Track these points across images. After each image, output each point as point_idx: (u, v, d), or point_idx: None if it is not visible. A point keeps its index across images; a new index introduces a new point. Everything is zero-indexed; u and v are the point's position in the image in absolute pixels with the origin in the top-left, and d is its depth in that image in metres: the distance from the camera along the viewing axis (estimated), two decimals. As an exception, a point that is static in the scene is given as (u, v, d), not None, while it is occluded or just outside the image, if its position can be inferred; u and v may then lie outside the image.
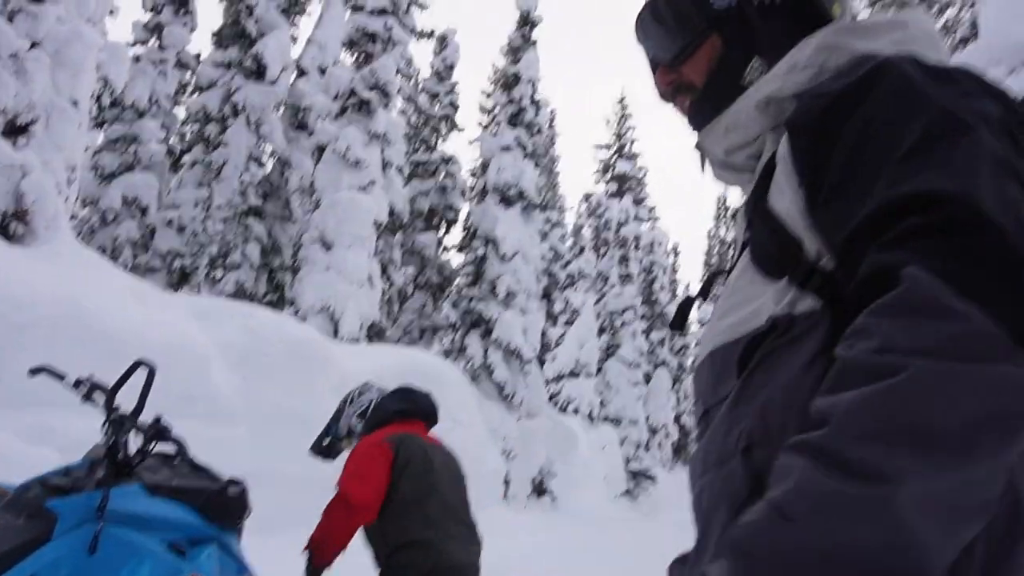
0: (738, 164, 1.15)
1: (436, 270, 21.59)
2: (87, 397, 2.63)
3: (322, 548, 3.28)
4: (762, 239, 0.99)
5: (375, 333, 17.07)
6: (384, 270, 18.93)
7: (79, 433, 5.34)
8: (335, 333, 14.62)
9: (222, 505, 2.63)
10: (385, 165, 17.89)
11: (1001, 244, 0.73)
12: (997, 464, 0.67)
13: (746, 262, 1.03)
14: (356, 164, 16.47)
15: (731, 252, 1.20)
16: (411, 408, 3.67)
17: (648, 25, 1.24)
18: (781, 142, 0.97)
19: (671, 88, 1.22)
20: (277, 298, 18.16)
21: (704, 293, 1.29)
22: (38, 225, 6.71)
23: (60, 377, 2.68)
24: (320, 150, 17.96)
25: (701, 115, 1.18)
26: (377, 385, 3.87)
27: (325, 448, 3.81)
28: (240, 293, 16.83)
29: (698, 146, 1.22)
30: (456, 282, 20.61)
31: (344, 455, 3.76)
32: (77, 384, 2.64)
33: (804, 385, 0.85)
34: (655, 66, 1.25)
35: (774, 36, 1.11)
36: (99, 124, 17.44)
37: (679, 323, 1.33)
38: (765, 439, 0.87)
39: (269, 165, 18.92)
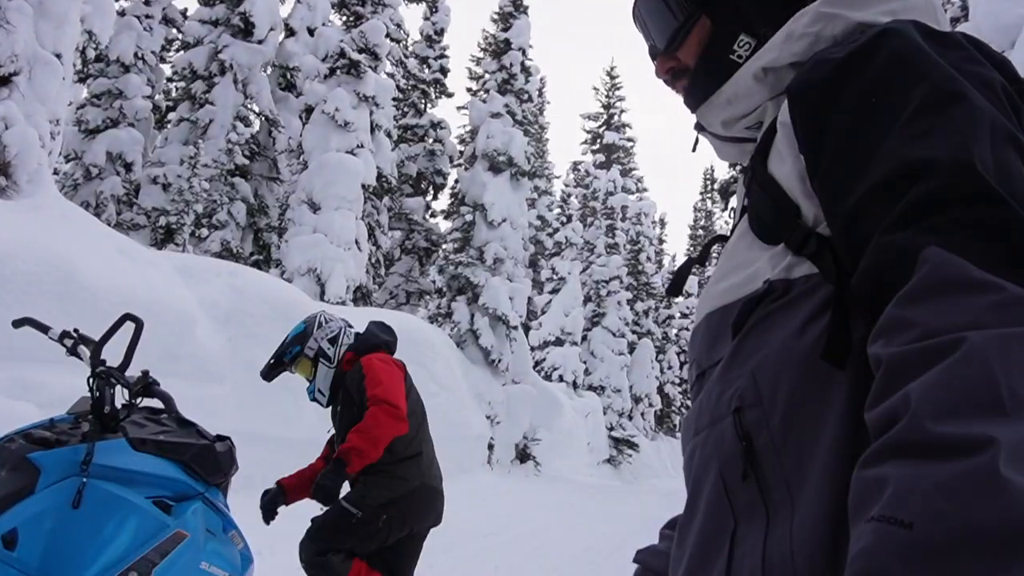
0: (737, 136, 1.16)
1: (423, 235, 21.51)
2: (72, 351, 2.59)
3: (364, 455, 3.43)
4: (760, 204, 0.99)
5: (361, 296, 17.04)
6: (371, 233, 18.85)
7: (60, 388, 5.31)
8: (321, 295, 14.58)
9: (209, 461, 2.61)
10: (374, 128, 17.76)
11: (1004, 211, 0.72)
12: None
13: (744, 227, 1.03)
14: (344, 126, 16.34)
15: (730, 218, 1.20)
16: (393, 342, 4.01)
17: (642, 16, 1.26)
18: (782, 108, 0.96)
19: (670, 75, 1.24)
20: (263, 258, 18.07)
21: (702, 259, 1.29)
22: (20, 178, 6.60)
23: (44, 329, 2.63)
24: (308, 111, 17.78)
25: (695, 94, 1.20)
26: (338, 315, 4.10)
27: (269, 369, 3.97)
28: (226, 252, 16.71)
29: (697, 125, 1.23)
30: (443, 247, 20.55)
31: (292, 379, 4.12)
32: (63, 337, 2.60)
33: (796, 348, 0.85)
34: (654, 55, 1.26)
35: (764, 9, 1.11)
36: (83, 78, 17.18)
37: (676, 288, 1.33)
38: (756, 401, 0.87)
39: (256, 125, 18.73)
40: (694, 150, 1.31)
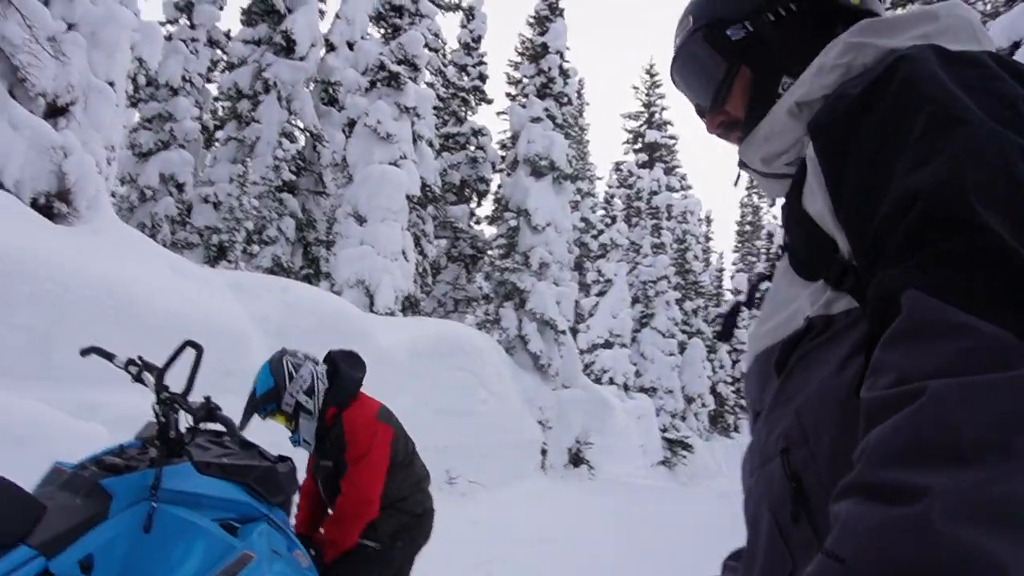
0: (778, 172, 1.15)
1: (469, 242, 21.60)
2: (137, 378, 2.67)
3: (338, 547, 3.44)
4: (798, 241, 0.99)
5: (409, 305, 17.16)
6: (417, 243, 18.97)
7: (126, 408, 5.45)
8: (370, 306, 14.71)
9: (271, 482, 2.67)
10: (416, 138, 17.87)
11: (987, 244, 0.71)
12: None
13: (785, 265, 1.04)
14: (387, 138, 16.47)
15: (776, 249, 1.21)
16: (364, 376, 3.79)
17: (681, 79, 1.28)
18: (809, 145, 0.97)
19: (722, 128, 1.25)
20: (313, 272, 18.30)
21: (750, 301, 1.29)
22: (80, 205, 6.79)
23: (110, 358, 2.72)
24: (351, 124, 17.97)
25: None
26: (300, 352, 3.79)
27: (243, 422, 3.57)
28: (277, 267, 16.97)
29: (740, 162, 1.24)
30: (489, 254, 20.60)
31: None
32: (128, 364, 2.68)
33: (838, 385, 0.85)
34: (702, 113, 1.27)
35: (799, 46, 1.11)
36: (135, 103, 17.58)
37: (727, 333, 1.34)
38: (802, 440, 0.88)
39: (302, 140, 18.98)
40: (735, 184, 1.32)
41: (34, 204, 6.49)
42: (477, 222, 23.16)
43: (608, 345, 25.68)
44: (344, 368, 3.74)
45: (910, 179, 0.78)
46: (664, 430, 25.55)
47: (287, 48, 18.24)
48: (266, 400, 3.56)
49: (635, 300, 28.45)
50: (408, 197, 16.62)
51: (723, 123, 1.24)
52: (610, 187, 35.38)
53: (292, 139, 18.38)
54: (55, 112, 6.83)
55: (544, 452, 16.11)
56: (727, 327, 1.33)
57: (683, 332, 30.49)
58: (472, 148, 22.35)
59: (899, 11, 1.05)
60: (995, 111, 0.80)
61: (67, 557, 2.16)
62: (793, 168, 1.10)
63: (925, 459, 0.65)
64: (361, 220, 15.95)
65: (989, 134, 0.77)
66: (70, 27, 6.89)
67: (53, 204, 6.63)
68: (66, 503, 2.28)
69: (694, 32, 1.21)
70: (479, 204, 22.96)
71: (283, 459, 2.78)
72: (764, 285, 1.21)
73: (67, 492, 2.32)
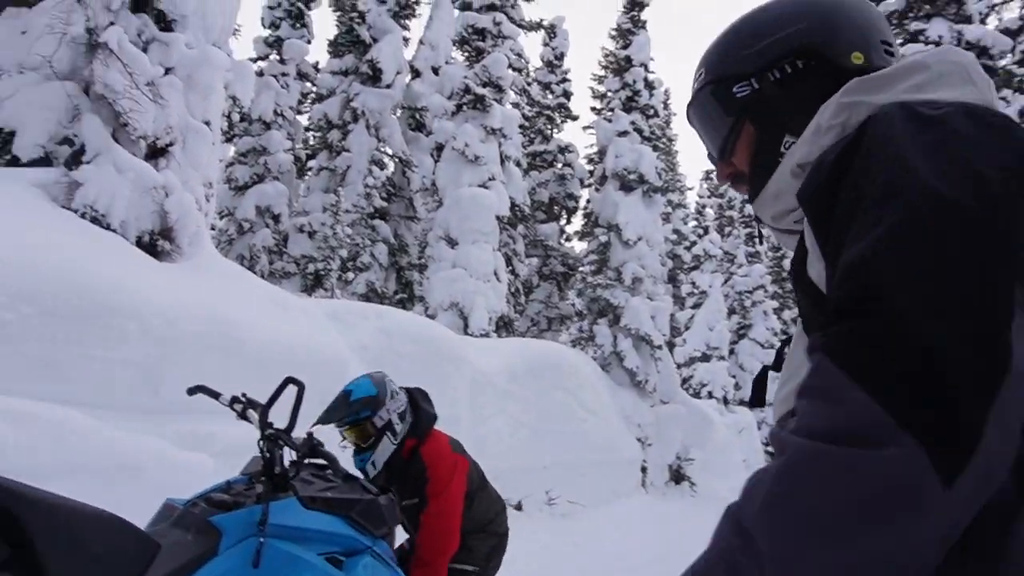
0: (789, 228, 1.19)
1: (560, 259, 21.58)
2: (242, 415, 2.71)
3: None
4: (805, 306, 1.01)
5: (503, 325, 17.21)
6: (509, 262, 19.05)
7: (229, 439, 5.59)
8: (465, 329, 14.81)
9: (374, 515, 2.68)
10: (503, 159, 17.99)
11: (890, 323, 0.72)
12: (885, 549, 0.66)
13: (800, 330, 1.08)
14: (475, 160, 16.62)
15: None
16: (435, 411, 3.87)
17: (694, 127, 1.33)
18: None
19: (731, 180, 1.29)
20: (407, 296, 18.56)
21: (777, 365, 1.31)
22: (182, 242, 7.02)
23: (216, 396, 2.77)
24: (439, 149, 18.22)
25: (753, 195, 1.24)
26: (392, 379, 3.80)
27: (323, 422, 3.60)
28: (371, 293, 17.27)
29: (755, 218, 1.28)
30: (581, 270, 20.53)
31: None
32: (233, 402, 2.73)
33: None
34: (713, 162, 1.33)
35: (801, 105, 1.13)
36: (230, 139, 18.22)
37: (759, 399, 1.37)
38: None
39: (391, 167, 19.32)
40: (760, 242, 1.36)
41: (139, 243, 6.73)
42: (567, 239, 23.16)
43: (705, 358, 25.26)
44: (421, 402, 3.79)
45: (848, 253, 0.80)
46: (766, 444, 24.92)
47: (374, 77, 18.65)
48: (362, 405, 3.53)
49: (731, 311, 27.94)
50: (498, 218, 16.72)
51: (731, 175, 1.27)
52: (701, 197, 34.91)
53: (382, 166, 18.74)
54: (155, 153, 7.09)
55: (644, 470, 15.88)
56: (757, 393, 1.35)
57: (782, 342, 29.74)
58: (559, 165, 22.39)
59: (890, 66, 1.05)
60: (942, 174, 0.79)
61: (180, 594, 2.19)
62: (801, 225, 1.11)
63: (768, 515, 0.70)
64: (453, 243, 16.12)
65: (925, 207, 0.76)
66: (167, 71, 7.15)
67: (157, 242, 6.88)
68: (178, 540, 2.32)
69: (704, 86, 1.25)
70: (569, 221, 22.96)
71: (384, 491, 2.79)
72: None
73: (178, 529, 2.36)
